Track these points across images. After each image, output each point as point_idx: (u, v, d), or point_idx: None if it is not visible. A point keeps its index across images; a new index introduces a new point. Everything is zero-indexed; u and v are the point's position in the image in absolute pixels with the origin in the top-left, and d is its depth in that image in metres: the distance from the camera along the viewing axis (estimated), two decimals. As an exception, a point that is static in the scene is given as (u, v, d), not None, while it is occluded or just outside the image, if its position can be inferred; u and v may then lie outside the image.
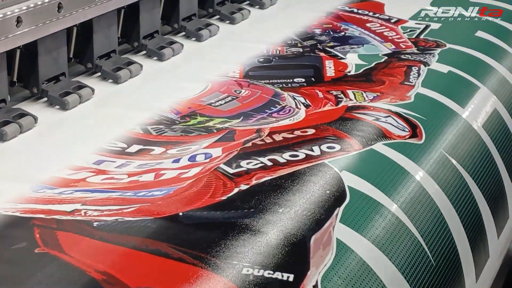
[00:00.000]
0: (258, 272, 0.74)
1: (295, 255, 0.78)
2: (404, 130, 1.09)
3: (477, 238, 1.04)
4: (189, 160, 0.99)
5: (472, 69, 1.34)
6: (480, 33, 1.49)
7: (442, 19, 1.47)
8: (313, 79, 1.29)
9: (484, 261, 1.06)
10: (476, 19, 1.49)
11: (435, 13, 1.50)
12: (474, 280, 1.00)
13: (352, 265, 0.80)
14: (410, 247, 0.89)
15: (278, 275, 0.74)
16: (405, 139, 1.07)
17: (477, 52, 1.41)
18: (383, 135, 1.07)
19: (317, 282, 0.75)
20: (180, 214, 0.85)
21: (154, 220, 0.84)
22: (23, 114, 1.08)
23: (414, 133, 1.09)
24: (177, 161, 0.99)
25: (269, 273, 0.74)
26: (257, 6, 1.63)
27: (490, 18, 1.50)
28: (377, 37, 1.49)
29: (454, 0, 1.60)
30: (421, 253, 0.91)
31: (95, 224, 0.83)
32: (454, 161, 1.08)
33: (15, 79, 1.14)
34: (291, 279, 0.74)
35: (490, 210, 1.10)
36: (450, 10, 1.51)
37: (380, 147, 1.03)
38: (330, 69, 1.33)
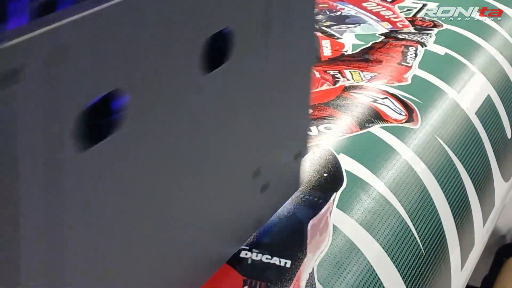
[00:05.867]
0: (257, 256, 0.74)
1: (293, 240, 0.78)
2: (401, 114, 1.09)
3: (463, 217, 1.04)
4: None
5: (468, 51, 1.34)
6: (477, 15, 1.49)
7: (442, 19, 1.47)
8: (310, 58, 1.28)
9: (470, 239, 1.06)
10: (476, 19, 1.48)
11: (435, 13, 1.49)
12: (459, 258, 1.00)
13: (345, 250, 0.80)
14: (397, 228, 0.89)
15: (275, 260, 0.74)
16: (402, 123, 1.07)
17: (473, 35, 1.40)
18: (381, 118, 1.07)
19: (313, 269, 0.75)
20: None
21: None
22: None
23: (411, 118, 1.09)
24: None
25: (267, 258, 0.74)
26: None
27: (490, 18, 1.49)
28: (373, 16, 1.49)
29: None
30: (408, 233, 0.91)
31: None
32: (448, 149, 1.08)
33: None
34: (288, 265, 0.74)
35: (475, 188, 1.10)
36: (450, 10, 1.50)
37: (377, 130, 1.03)
38: (327, 49, 1.32)
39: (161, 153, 0.52)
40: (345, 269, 0.78)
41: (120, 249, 0.50)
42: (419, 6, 1.53)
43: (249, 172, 0.62)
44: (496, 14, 1.53)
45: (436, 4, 1.53)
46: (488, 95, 1.27)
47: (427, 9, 1.52)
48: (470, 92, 1.24)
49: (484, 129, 1.19)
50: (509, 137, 1.27)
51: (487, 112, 1.24)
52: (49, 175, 0.46)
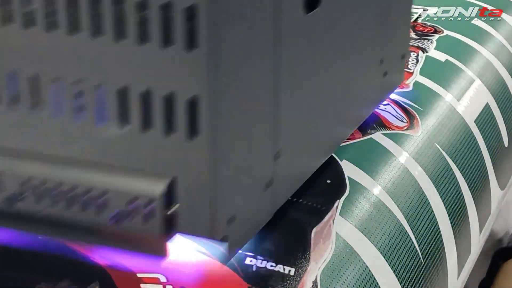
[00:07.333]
0: (261, 263, 0.75)
1: (296, 248, 0.78)
2: (402, 121, 1.10)
3: (460, 223, 1.05)
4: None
5: (468, 59, 1.35)
6: (476, 21, 1.50)
7: (442, 19, 1.47)
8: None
9: (467, 246, 1.07)
10: (476, 24, 1.49)
11: (435, 13, 1.50)
12: (456, 263, 1.01)
13: (347, 258, 0.81)
14: (398, 236, 0.90)
15: (280, 268, 0.74)
16: (403, 130, 1.08)
17: (474, 42, 1.41)
18: (383, 124, 1.07)
19: (316, 277, 0.75)
20: None
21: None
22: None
23: (412, 125, 1.10)
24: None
25: (271, 265, 0.75)
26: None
27: (490, 18, 1.50)
28: (375, 21, 1.49)
29: None
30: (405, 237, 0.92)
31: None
32: (447, 157, 1.09)
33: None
34: (292, 273, 0.74)
35: (472, 196, 1.11)
36: (450, 10, 1.51)
37: (379, 137, 1.04)
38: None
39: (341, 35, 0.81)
40: (347, 277, 0.79)
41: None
42: (420, 11, 1.53)
43: (378, 60, 0.95)
44: (496, 14, 1.53)
45: (437, 8, 1.54)
46: (487, 103, 1.28)
47: (428, 11, 1.52)
48: (469, 100, 1.24)
49: (483, 137, 1.20)
50: (506, 145, 1.28)
51: (485, 120, 1.24)
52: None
